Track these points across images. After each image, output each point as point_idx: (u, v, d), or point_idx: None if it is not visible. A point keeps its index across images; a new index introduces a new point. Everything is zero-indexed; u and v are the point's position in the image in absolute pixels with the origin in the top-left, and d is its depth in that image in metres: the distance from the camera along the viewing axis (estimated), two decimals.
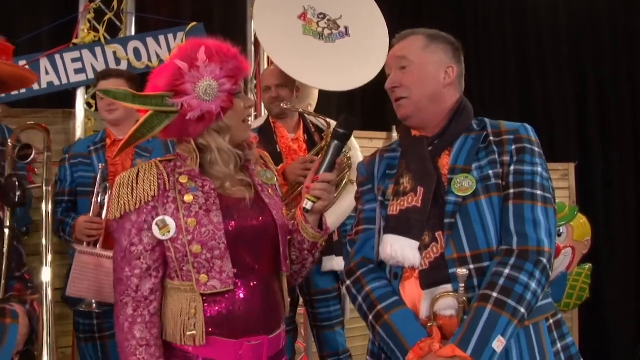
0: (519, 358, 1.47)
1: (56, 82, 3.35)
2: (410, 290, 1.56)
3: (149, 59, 3.49)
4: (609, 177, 4.96)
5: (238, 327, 1.52)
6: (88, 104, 3.44)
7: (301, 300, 2.96)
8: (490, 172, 1.55)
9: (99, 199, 2.63)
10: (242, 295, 1.53)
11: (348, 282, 1.66)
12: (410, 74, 1.64)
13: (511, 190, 1.53)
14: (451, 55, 1.69)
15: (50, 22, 3.56)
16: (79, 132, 3.34)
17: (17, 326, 1.49)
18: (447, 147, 1.62)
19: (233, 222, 1.54)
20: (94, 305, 2.51)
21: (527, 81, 5.10)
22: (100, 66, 3.39)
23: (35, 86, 3.29)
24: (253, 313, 1.54)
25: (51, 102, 3.48)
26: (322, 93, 3.37)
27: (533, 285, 1.44)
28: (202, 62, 1.51)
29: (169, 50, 3.51)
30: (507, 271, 1.45)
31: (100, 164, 2.70)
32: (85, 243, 2.58)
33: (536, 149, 1.58)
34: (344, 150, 1.73)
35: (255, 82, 3.92)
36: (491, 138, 1.60)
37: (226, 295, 1.52)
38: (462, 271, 1.44)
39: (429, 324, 1.49)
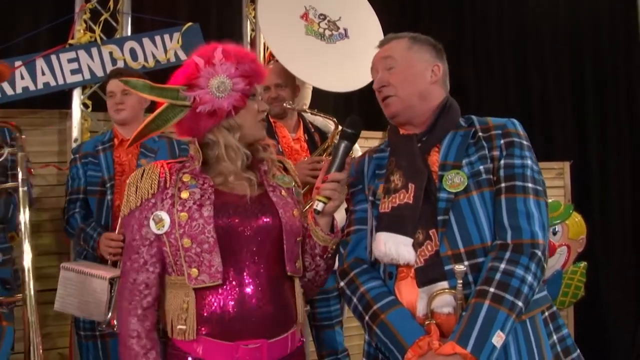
0: (517, 352, 1.48)
1: (52, 83, 3.34)
2: (406, 289, 1.56)
3: (145, 60, 3.49)
4: (604, 175, 4.98)
5: (233, 329, 1.51)
6: (84, 105, 3.43)
7: None
8: (481, 167, 1.56)
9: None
10: (235, 295, 1.52)
11: (342, 284, 1.66)
12: (398, 72, 1.66)
13: (502, 184, 1.54)
14: (435, 55, 1.71)
15: (46, 22, 3.56)
16: (75, 133, 3.34)
17: (13, 328, 1.50)
18: (436, 144, 1.63)
19: (226, 218, 1.54)
20: (115, 327, 2.47)
21: (524, 80, 5.11)
22: (97, 66, 3.39)
23: (32, 86, 3.30)
24: (251, 314, 1.52)
25: (47, 103, 3.47)
26: (318, 93, 3.38)
27: (529, 278, 1.45)
28: (219, 59, 1.54)
29: (165, 50, 3.52)
30: (503, 266, 1.45)
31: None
32: (109, 262, 2.55)
33: (525, 143, 1.60)
34: (352, 151, 1.74)
35: None
36: (480, 134, 1.61)
37: (220, 293, 1.52)
38: (459, 267, 1.44)
39: (426, 322, 1.49)
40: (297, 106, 2.88)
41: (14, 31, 3.46)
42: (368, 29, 3.33)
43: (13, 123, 2.28)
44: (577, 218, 3.77)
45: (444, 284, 1.49)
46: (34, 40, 3.47)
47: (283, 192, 1.66)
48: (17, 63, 3.25)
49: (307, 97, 3.35)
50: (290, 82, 2.91)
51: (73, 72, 3.37)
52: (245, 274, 1.54)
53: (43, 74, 3.32)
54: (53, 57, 3.34)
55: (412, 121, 1.67)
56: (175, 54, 3.50)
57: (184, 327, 1.51)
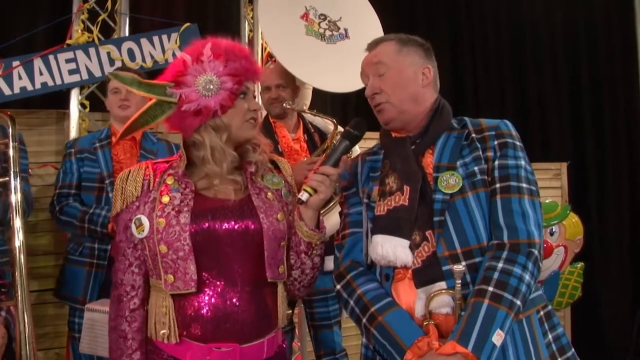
0: (515, 351, 1.48)
1: (50, 83, 3.34)
2: (404, 291, 1.56)
3: (143, 60, 3.48)
4: (601, 176, 4.99)
5: (207, 332, 1.51)
6: (82, 105, 3.43)
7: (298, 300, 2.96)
8: (476, 168, 1.57)
9: None
10: (212, 300, 1.51)
11: (338, 287, 1.65)
12: (389, 78, 1.65)
13: (497, 185, 1.55)
14: (424, 57, 1.70)
15: (44, 22, 3.55)
16: (73, 133, 3.34)
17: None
18: (429, 146, 1.63)
19: (204, 224, 1.52)
20: None
21: (521, 81, 5.13)
22: (94, 67, 3.39)
23: (29, 87, 3.29)
24: (224, 319, 1.51)
25: (45, 103, 3.46)
26: (317, 93, 3.38)
27: (527, 277, 1.46)
28: (207, 57, 1.51)
29: (163, 50, 3.52)
30: (500, 265, 1.46)
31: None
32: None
33: (518, 143, 1.61)
34: (350, 152, 1.73)
35: None
36: (473, 135, 1.62)
37: (196, 298, 1.51)
38: (458, 267, 1.45)
39: (424, 323, 1.49)
40: (297, 107, 2.88)
41: (11, 31, 3.46)
42: (368, 29, 3.32)
43: (9, 112, 2.18)
44: (574, 219, 3.78)
45: (442, 284, 1.50)
46: (32, 40, 3.47)
47: (269, 195, 1.63)
48: (15, 63, 3.24)
49: (307, 98, 3.35)
50: (291, 83, 2.90)
51: (71, 72, 3.36)
52: (222, 279, 1.53)
53: (41, 74, 3.32)
54: (51, 57, 3.33)
55: (406, 126, 1.67)
56: (173, 54, 3.49)
57: (165, 331, 1.52)
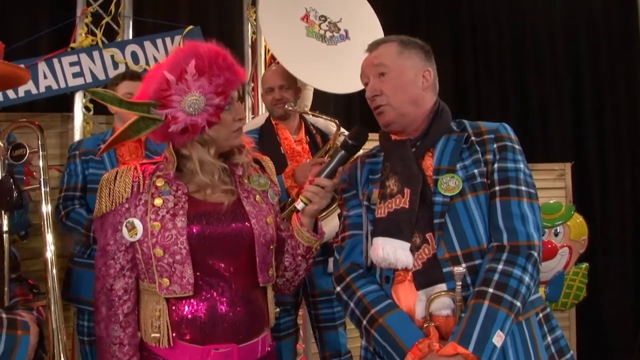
0: (515, 353, 1.48)
1: (54, 86, 3.36)
2: (404, 293, 1.56)
3: (147, 63, 3.50)
4: (605, 176, 4.97)
5: (203, 334, 1.51)
6: (86, 108, 3.45)
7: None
8: (475, 171, 1.58)
9: None
10: (208, 302, 1.52)
11: (338, 289, 1.66)
12: (390, 80, 1.65)
13: (497, 188, 1.56)
14: (425, 59, 1.70)
15: (47, 26, 3.58)
16: (77, 136, 3.36)
17: (28, 337, 1.49)
18: (429, 148, 1.64)
19: (199, 228, 1.52)
20: None
21: (523, 81, 5.11)
22: (98, 70, 3.40)
23: (34, 90, 3.32)
24: (221, 320, 1.52)
25: (49, 106, 3.49)
26: (320, 94, 3.39)
27: (526, 279, 1.47)
28: (191, 75, 1.46)
29: (167, 53, 3.52)
30: (500, 267, 1.46)
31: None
32: None
33: (516, 147, 1.61)
34: (349, 160, 1.74)
35: (252, 84, 3.94)
36: (473, 138, 1.62)
37: (191, 301, 1.51)
38: (458, 269, 1.45)
39: (425, 325, 1.49)
40: (299, 108, 2.88)
41: (16, 35, 3.48)
42: (369, 30, 3.32)
43: (37, 123, 2.22)
44: (578, 219, 3.76)
45: (443, 286, 1.50)
46: (36, 43, 3.49)
47: (257, 197, 1.64)
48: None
49: (308, 99, 3.36)
50: (293, 84, 2.91)
51: (75, 75, 3.39)
52: (217, 282, 1.54)
53: (45, 77, 3.34)
54: (55, 61, 3.36)
55: (406, 129, 1.68)
56: None
57: (157, 335, 1.51)
